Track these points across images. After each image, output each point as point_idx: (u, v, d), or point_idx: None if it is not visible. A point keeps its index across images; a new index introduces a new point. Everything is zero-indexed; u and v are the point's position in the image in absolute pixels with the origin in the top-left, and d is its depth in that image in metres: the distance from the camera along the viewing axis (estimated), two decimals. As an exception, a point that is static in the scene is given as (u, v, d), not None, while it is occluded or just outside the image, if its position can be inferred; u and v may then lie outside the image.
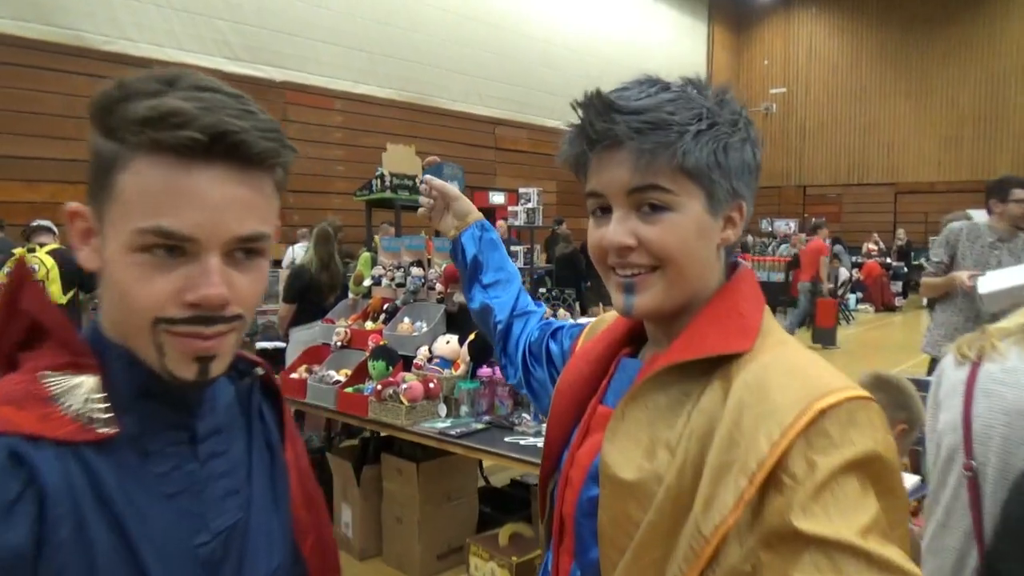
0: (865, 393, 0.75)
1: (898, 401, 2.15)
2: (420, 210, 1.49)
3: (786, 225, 14.70)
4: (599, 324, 1.13)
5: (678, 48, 19.92)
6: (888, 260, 16.49)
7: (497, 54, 14.93)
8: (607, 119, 0.83)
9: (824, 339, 10.88)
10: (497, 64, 14.96)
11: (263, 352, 5.87)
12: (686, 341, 0.85)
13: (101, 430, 0.69)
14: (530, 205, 8.46)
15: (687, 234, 0.85)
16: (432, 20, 13.67)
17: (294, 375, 4.05)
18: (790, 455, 0.72)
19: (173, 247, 0.68)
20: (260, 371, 0.92)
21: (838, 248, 15.31)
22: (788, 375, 0.77)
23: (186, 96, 0.68)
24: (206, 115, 0.67)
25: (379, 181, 5.16)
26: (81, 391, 0.69)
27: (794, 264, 12.84)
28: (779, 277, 12.87)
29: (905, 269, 16.65)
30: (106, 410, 0.70)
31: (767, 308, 0.90)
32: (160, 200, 0.67)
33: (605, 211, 0.88)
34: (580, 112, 0.86)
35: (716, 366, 0.83)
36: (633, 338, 1.02)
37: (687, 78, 0.89)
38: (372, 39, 12.67)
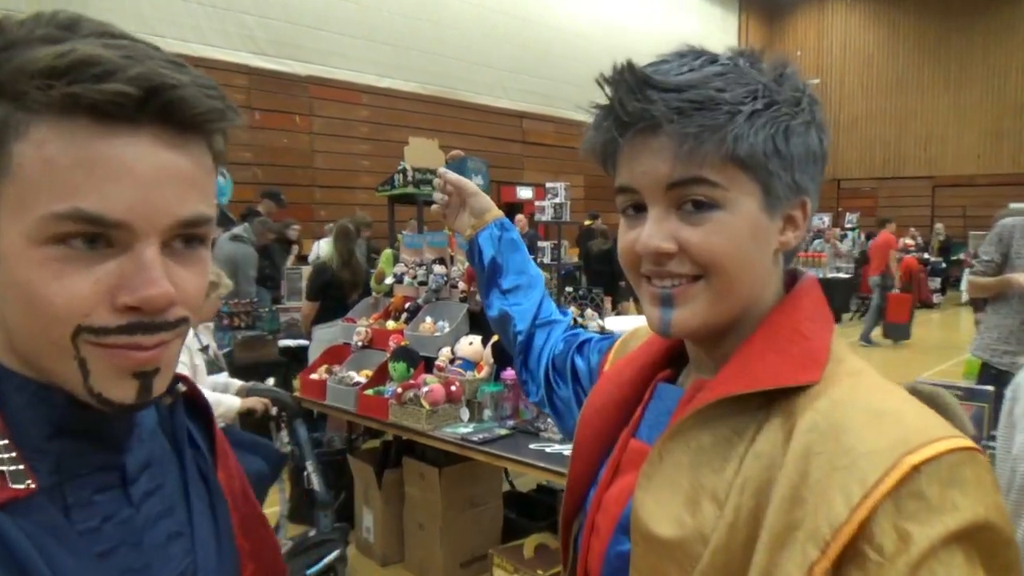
0: (970, 443, 0.60)
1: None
2: (434, 207, 1.36)
3: (819, 220, 14.33)
4: (631, 339, 0.98)
5: (708, 40, 19.06)
6: (926, 255, 16.07)
7: (523, 47, 14.79)
8: (641, 98, 0.67)
9: (897, 333, 10.57)
10: (523, 57, 14.82)
11: (286, 350, 5.80)
12: (738, 368, 0.70)
13: (14, 486, 0.54)
14: (557, 200, 8.32)
15: (738, 237, 0.69)
16: (457, 13, 13.56)
17: (314, 376, 3.96)
18: (875, 522, 0.57)
19: (96, 236, 0.53)
20: (182, 387, 0.75)
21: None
22: (870, 417, 0.62)
23: (100, 43, 0.52)
24: (133, 64, 0.52)
25: (401, 176, 5.04)
26: None
27: (863, 260, 12.57)
28: (812, 273, 12.58)
29: (944, 265, 16.20)
30: (13, 460, 0.54)
31: (836, 329, 0.74)
32: (76, 176, 0.52)
33: (639, 209, 0.73)
34: (609, 90, 0.71)
35: (775, 399, 0.68)
36: (672, 359, 0.87)
37: (737, 49, 0.73)
38: (397, 32, 12.59)
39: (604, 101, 0.72)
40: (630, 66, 0.69)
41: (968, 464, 0.58)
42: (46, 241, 0.52)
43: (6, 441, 0.55)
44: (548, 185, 8.35)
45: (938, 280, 15.84)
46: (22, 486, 0.54)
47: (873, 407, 0.63)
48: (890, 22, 20.78)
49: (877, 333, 10.67)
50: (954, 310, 14.74)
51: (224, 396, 3.41)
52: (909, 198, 20.18)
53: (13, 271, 0.53)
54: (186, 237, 0.58)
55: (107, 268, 0.54)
